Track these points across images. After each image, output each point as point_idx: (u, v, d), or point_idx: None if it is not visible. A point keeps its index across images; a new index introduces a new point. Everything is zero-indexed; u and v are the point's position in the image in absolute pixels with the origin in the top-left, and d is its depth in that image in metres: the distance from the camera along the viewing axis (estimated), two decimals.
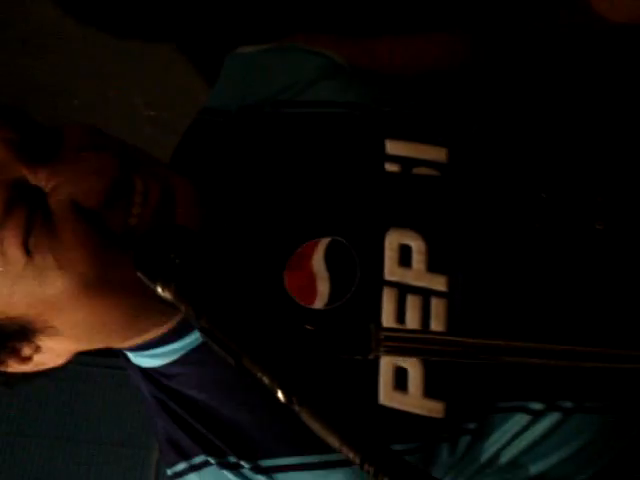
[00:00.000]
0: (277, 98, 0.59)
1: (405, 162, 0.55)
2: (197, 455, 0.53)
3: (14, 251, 0.46)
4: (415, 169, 0.55)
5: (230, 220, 0.54)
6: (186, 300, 0.40)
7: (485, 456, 0.52)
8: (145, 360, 0.57)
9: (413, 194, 0.55)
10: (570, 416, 0.52)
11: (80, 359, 2.24)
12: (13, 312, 0.48)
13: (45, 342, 0.50)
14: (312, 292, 0.52)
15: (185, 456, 0.54)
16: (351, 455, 0.30)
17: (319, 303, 0.52)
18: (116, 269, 0.47)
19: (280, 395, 0.33)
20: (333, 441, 0.30)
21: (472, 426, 0.51)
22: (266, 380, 0.34)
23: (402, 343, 0.39)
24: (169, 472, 0.56)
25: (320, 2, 0.87)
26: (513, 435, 0.52)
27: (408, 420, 0.50)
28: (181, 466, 0.54)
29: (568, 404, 0.52)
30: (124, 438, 2.20)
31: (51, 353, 0.52)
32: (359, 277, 0.52)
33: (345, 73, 0.61)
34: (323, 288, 0.52)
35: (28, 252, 0.46)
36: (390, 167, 0.55)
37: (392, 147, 0.55)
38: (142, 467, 2.20)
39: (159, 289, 0.41)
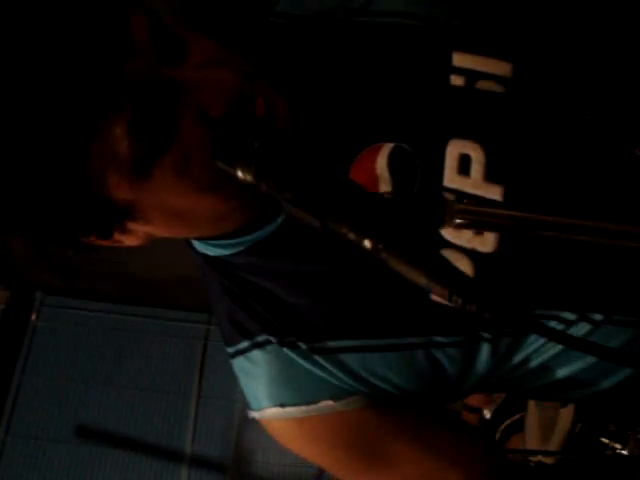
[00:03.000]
0: (349, 5, 0.60)
1: (470, 75, 0.56)
2: (260, 334, 0.56)
3: (134, 159, 0.46)
4: (480, 82, 0.56)
5: (302, 117, 0.56)
6: (268, 177, 0.42)
7: (519, 358, 0.55)
8: (211, 249, 0.59)
9: (476, 107, 0.56)
10: (599, 327, 0.54)
11: (125, 309, 2.33)
12: (117, 196, 0.48)
13: (131, 225, 0.52)
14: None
15: (248, 335, 0.57)
16: (439, 290, 0.32)
17: None
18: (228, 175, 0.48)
19: (367, 244, 0.35)
20: (421, 280, 0.33)
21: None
22: (352, 235, 0.36)
23: (475, 216, 0.41)
24: (231, 350, 0.58)
25: None
26: (546, 341, 0.55)
27: (454, 315, 0.52)
28: (244, 344, 0.57)
29: (598, 316, 0.54)
30: (165, 385, 2.30)
31: (132, 235, 0.53)
32: (419, 182, 0.54)
33: None
34: (385, 190, 0.54)
35: (149, 165, 0.46)
36: (455, 79, 0.56)
37: (459, 59, 0.56)
38: (181, 413, 2.30)
39: (239, 173, 0.44)
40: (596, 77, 0.60)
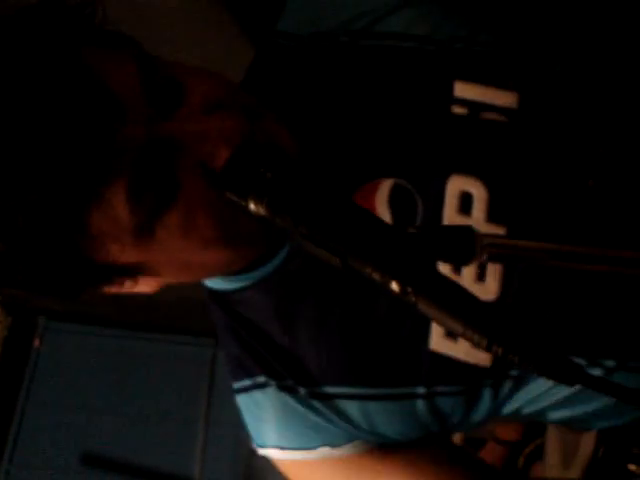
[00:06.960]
0: (353, 26, 0.57)
1: (473, 106, 0.53)
2: (259, 375, 0.56)
3: (136, 224, 0.45)
4: (483, 114, 0.53)
5: (304, 148, 0.53)
6: (282, 211, 0.39)
7: (519, 403, 0.54)
8: (217, 283, 0.58)
9: (479, 140, 0.53)
10: (611, 374, 0.52)
11: (130, 334, 2.31)
12: (122, 260, 0.48)
13: (141, 279, 0.51)
14: None
15: (249, 374, 0.57)
16: (476, 338, 0.29)
17: None
18: (236, 225, 0.47)
19: (394, 287, 0.32)
20: (456, 326, 0.30)
21: (515, 373, 0.52)
22: (376, 276, 0.33)
23: (503, 250, 0.38)
24: (236, 386, 0.59)
25: None
26: (549, 387, 0.53)
27: (457, 366, 0.52)
28: (247, 382, 0.57)
29: (610, 363, 0.52)
30: (172, 411, 2.25)
31: (144, 285, 0.52)
32: (420, 221, 0.52)
33: (424, 2, 0.59)
34: None
35: (152, 226, 0.45)
36: (457, 110, 0.53)
37: (461, 89, 0.54)
38: (189, 439, 2.25)
39: (252, 205, 0.41)
40: (606, 110, 0.56)
